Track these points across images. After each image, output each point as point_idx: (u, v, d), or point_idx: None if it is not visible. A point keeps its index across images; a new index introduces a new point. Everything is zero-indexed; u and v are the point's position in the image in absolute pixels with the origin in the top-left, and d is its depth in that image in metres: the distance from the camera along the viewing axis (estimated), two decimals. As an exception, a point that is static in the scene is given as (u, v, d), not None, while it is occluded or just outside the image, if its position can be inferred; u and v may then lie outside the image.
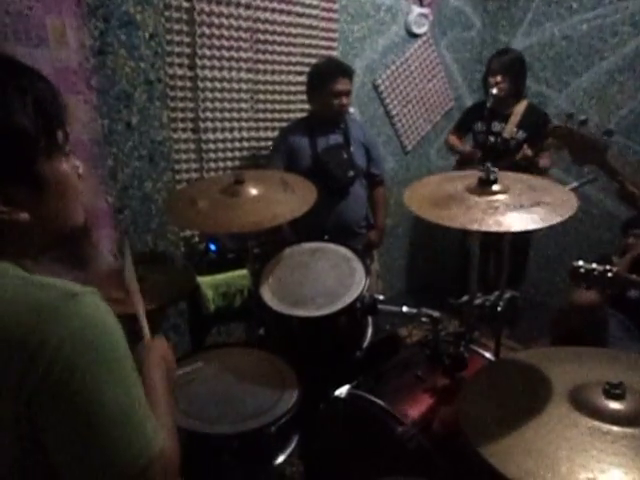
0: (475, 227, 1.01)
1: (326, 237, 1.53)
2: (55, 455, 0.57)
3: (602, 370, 0.96)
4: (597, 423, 0.81)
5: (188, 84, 2.20)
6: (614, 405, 0.83)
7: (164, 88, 2.11)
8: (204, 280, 2.00)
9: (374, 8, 2.84)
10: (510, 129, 2.62)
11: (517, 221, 1.03)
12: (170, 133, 2.18)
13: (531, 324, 2.90)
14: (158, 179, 2.17)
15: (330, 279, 1.40)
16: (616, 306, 2.59)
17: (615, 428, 0.80)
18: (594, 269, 1.44)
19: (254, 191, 1.43)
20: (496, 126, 2.64)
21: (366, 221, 2.38)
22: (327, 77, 2.15)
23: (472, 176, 1.11)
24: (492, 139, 2.65)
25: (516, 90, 2.61)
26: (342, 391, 1.28)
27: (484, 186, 1.07)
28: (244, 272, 2.03)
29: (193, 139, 2.29)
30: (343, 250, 1.48)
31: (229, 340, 2.33)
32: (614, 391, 0.84)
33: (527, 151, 2.43)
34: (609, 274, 1.43)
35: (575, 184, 1.67)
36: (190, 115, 2.24)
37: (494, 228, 1.00)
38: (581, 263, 1.47)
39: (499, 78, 2.53)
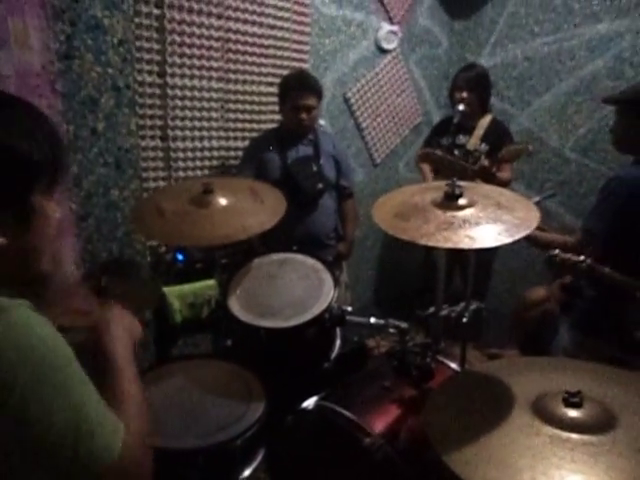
0: (434, 243, 1.02)
1: (295, 248, 1.53)
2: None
3: (562, 379, 0.99)
4: (557, 431, 0.83)
5: (157, 91, 2.18)
6: (573, 413, 0.86)
7: (133, 95, 2.08)
8: (170, 290, 1.95)
9: (345, 23, 2.89)
10: (474, 142, 2.69)
11: (480, 237, 1.05)
12: (138, 140, 2.15)
13: (496, 335, 2.97)
14: (125, 187, 2.12)
15: (298, 290, 1.40)
16: (566, 313, 2.74)
17: (574, 436, 0.82)
18: (569, 258, 1.55)
19: (223, 201, 1.41)
20: (461, 139, 2.72)
21: (335, 233, 2.39)
22: (290, 91, 2.17)
23: (439, 190, 1.14)
24: (457, 151, 2.72)
25: (481, 104, 2.69)
26: (309, 403, 1.27)
27: (450, 200, 1.09)
28: (212, 282, 2.00)
29: (161, 147, 2.25)
30: (312, 261, 1.48)
31: (195, 352, 2.28)
32: (573, 399, 0.86)
33: (484, 162, 2.50)
34: (582, 264, 1.56)
35: (537, 198, 1.74)
36: (159, 122, 2.21)
37: (456, 244, 1.01)
38: (558, 251, 1.59)
39: (465, 94, 2.61)
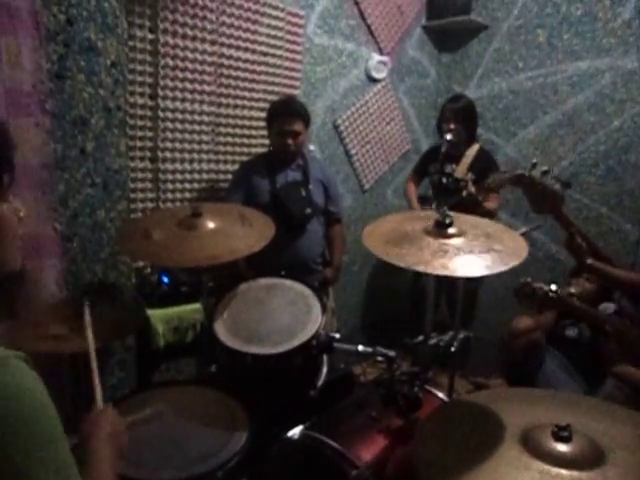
0: (432, 270, 1.02)
1: (283, 273, 1.52)
2: None
3: (550, 411, 0.98)
4: (547, 467, 0.82)
5: (149, 113, 2.18)
6: (562, 448, 0.85)
7: (124, 116, 2.08)
8: (155, 314, 1.92)
9: (336, 53, 2.95)
10: (461, 170, 2.74)
11: (468, 266, 1.05)
12: (128, 161, 2.14)
13: (482, 362, 2.97)
14: (112, 208, 2.10)
15: (286, 316, 1.38)
16: (554, 344, 2.76)
17: (563, 471, 0.81)
18: (540, 288, 1.50)
19: (211, 224, 1.41)
20: (449, 167, 2.76)
21: (322, 258, 2.39)
22: (276, 116, 2.19)
23: (431, 217, 1.14)
24: (445, 179, 2.76)
25: (468, 134, 2.74)
26: (295, 432, 1.24)
27: (440, 228, 1.10)
28: (197, 306, 1.97)
29: (151, 168, 2.25)
30: (300, 287, 1.47)
31: (179, 377, 2.23)
32: (562, 433, 0.86)
33: (471, 189, 2.53)
34: (551, 294, 1.50)
35: (523, 230, 1.75)
36: (149, 144, 2.21)
37: (443, 271, 1.01)
38: (528, 279, 1.53)
39: (452, 124, 2.66)
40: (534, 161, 1.78)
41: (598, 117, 2.99)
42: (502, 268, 1.06)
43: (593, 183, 3.07)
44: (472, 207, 2.57)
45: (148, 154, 2.22)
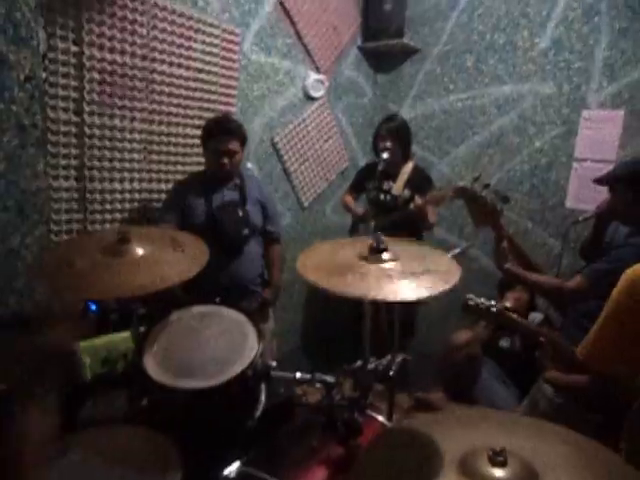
0: (375, 296, 1.01)
1: (217, 300, 1.46)
2: None
3: (488, 434, 0.99)
4: (484, 494, 0.82)
5: (73, 130, 2.06)
6: (498, 473, 0.85)
7: (42, 134, 1.94)
8: (81, 345, 1.78)
9: (273, 70, 2.94)
10: (398, 187, 2.80)
11: (414, 289, 1.06)
12: (50, 181, 1.99)
13: (422, 377, 3.02)
14: (28, 233, 1.93)
15: (220, 346, 1.32)
16: (489, 354, 2.88)
17: (500, 497, 0.81)
18: (482, 303, 1.60)
19: (140, 250, 1.33)
20: (386, 184, 2.82)
21: (261, 279, 2.34)
22: (211, 135, 2.14)
23: (364, 243, 1.14)
24: (382, 196, 2.82)
25: (403, 152, 2.82)
26: (231, 470, 1.18)
27: (375, 254, 1.10)
28: (128, 334, 1.86)
29: (77, 188, 2.11)
30: (235, 314, 1.41)
31: (108, 412, 2.08)
32: (497, 458, 0.86)
33: (418, 201, 2.59)
34: (493, 309, 1.59)
35: (457, 250, 1.81)
36: (74, 162, 2.08)
37: (395, 297, 1.01)
38: (471, 296, 1.63)
39: (388, 143, 2.72)
40: (476, 174, 1.85)
41: (521, 138, 3.18)
42: (444, 287, 1.07)
43: (520, 200, 3.25)
44: (414, 221, 2.65)
45: (73, 173, 2.09)
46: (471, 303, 1.59)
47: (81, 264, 1.28)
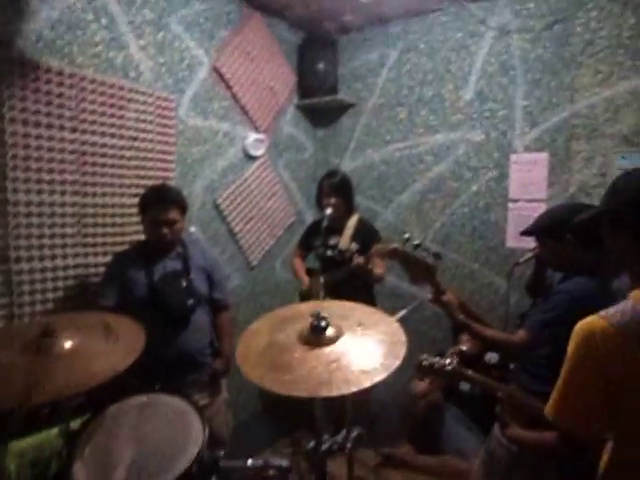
0: (327, 392, 0.94)
1: (157, 387, 1.36)
2: None
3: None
4: None
5: (-5, 210, 1.94)
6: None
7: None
8: (5, 448, 1.60)
9: (212, 133, 2.94)
10: (345, 241, 2.80)
11: (367, 370, 1.01)
12: (-32, 266, 1.85)
13: (385, 427, 2.94)
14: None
15: (162, 440, 1.21)
16: (450, 399, 2.85)
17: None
18: (437, 362, 1.57)
19: (67, 343, 1.22)
20: (332, 240, 2.82)
21: (211, 349, 2.23)
22: (149, 205, 2.07)
23: (303, 320, 1.09)
24: (330, 252, 2.80)
25: (347, 206, 2.84)
26: None
27: (316, 333, 1.05)
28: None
29: (1, 270, 1.97)
30: (177, 402, 1.31)
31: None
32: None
33: (358, 259, 2.59)
34: (447, 368, 1.59)
35: (404, 312, 1.80)
36: (-3, 244, 1.95)
37: (349, 388, 0.95)
38: (425, 356, 1.60)
39: (332, 200, 2.74)
40: (406, 236, 1.88)
41: (459, 183, 3.30)
42: (396, 360, 1.03)
43: (464, 242, 3.33)
44: (362, 276, 2.63)
45: (-4, 255, 1.95)
46: (425, 364, 1.57)
47: (-1, 365, 1.16)
